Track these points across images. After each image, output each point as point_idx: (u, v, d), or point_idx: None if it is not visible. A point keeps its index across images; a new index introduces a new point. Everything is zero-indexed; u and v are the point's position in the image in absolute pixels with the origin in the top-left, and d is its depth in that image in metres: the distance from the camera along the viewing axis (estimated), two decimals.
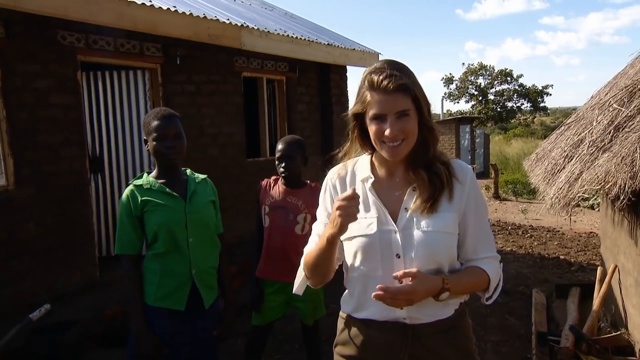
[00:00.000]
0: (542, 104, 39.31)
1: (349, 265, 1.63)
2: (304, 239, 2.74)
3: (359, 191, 1.60)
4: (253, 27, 5.80)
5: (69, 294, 4.39)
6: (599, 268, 4.39)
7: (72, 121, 4.54)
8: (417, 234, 1.51)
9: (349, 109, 1.60)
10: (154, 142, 2.26)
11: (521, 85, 38.70)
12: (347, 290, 1.69)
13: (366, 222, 1.54)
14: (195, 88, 5.74)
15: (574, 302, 4.36)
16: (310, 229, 1.75)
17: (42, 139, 4.32)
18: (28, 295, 4.12)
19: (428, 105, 1.54)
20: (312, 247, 1.65)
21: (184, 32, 5.03)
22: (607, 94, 4.07)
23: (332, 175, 1.69)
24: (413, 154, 1.54)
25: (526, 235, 8.35)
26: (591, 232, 8.33)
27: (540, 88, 38.64)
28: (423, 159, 1.55)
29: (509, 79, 38.69)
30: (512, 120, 39.31)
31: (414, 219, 1.53)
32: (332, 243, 1.50)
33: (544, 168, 3.97)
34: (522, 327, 4.42)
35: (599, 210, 7.68)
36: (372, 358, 1.62)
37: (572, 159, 3.56)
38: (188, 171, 2.45)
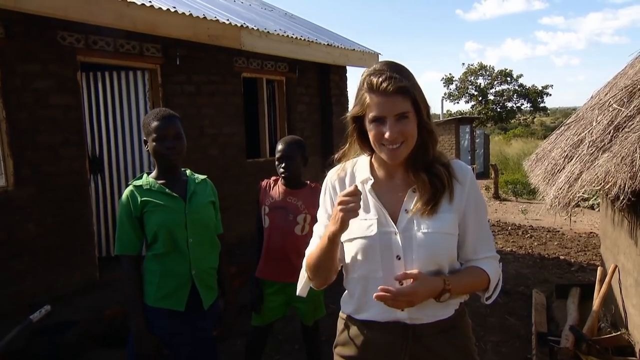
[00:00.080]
0: (542, 104, 39.33)
1: (349, 266, 1.62)
2: (304, 239, 2.74)
3: None
4: (253, 28, 5.80)
5: (69, 294, 4.39)
6: (599, 268, 4.39)
7: (71, 121, 4.54)
8: (417, 235, 1.51)
9: (348, 110, 1.60)
10: (154, 143, 2.26)
11: (521, 85, 38.72)
12: (346, 291, 1.69)
13: (366, 223, 1.54)
14: (195, 88, 5.74)
15: (574, 303, 4.36)
16: (310, 230, 1.75)
17: (42, 140, 4.32)
18: (28, 296, 4.12)
19: (427, 107, 1.53)
20: (313, 248, 1.65)
21: (183, 33, 5.04)
22: (606, 94, 4.07)
23: (332, 177, 1.68)
24: (413, 155, 1.54)
25: (526, 236, 8.35)
26: (591, 233, 8.33)
27: (540, 88, 38.65)
28: (423, 161, 1.55)
29: (508, 79, 38.70)
30: (512, 121, 39.32)
31: (414, 221, 1.52)
32: (334, 241, 1.49)
33: (544, 168, 3.97)
34: (522, 328, 4.42)
35: (599, 210, 7.68)
36: (372, 358, 1.62)
37: (572, 159, 3.56)
38: (188, 172, 2.45)
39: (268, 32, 6.02)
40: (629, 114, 3.33)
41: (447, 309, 1.59)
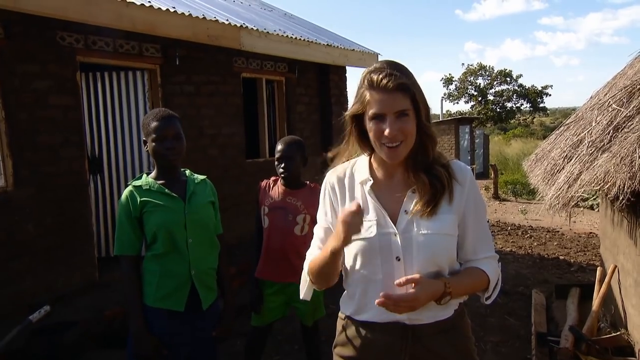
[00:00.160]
0: (541, 105, 39.31)
1: (348, 267, 1.62)
2: (304, 239, 2.74)
3: (358, 194, 1.60)
4: (252, 28, 5.80)
5: (68, 294, 4.39)
6: (598, 268, 4.39)
7: (71, 122, 4.54)
8: (417, 236, 1.51)
9: (348, 109, 1.60)
10: (153, 143, 2.26)
11: (520, 85, 38.71)
12: (346, 292, 1.69)
13: (366, 225, 1.53)
14: (194, 89, 5.74)
15: (574, 303, 4.36)
16: (310, 230, 1.75)
17: (42, 140, 4.32)
18: (28, 296, 4.12)
19: (427, 108, 1.53)
20: (315, 253, 1.65)
21: (183, 33, 5.04)
22: (606, 94, 4.07)
23: (331, 178, 1.68)
24: (412, 156, 1.54)
25: (526, 236, 8.34)
26: (591, 233, 8.33)
27: (540, 88, 38.64)
28: (423, 162, 1.54)
29: (508, 79, 38.70)
30: (512, 121, 39.32)
31: (414, 222, 1.52)
32: (337, 255, 1.51)
33: (544, 168, 3.97)
34: (522, 328, 4.42)
35: (598, 210, 7.68)
36: (372, 359, 1.62)
37: (571, 160, 3.56)
38: (187, 172, 2.45)
39: (267, 32, 6.02)
40: (628, 114, 3.33)
41: (446, 310, 1.59)
